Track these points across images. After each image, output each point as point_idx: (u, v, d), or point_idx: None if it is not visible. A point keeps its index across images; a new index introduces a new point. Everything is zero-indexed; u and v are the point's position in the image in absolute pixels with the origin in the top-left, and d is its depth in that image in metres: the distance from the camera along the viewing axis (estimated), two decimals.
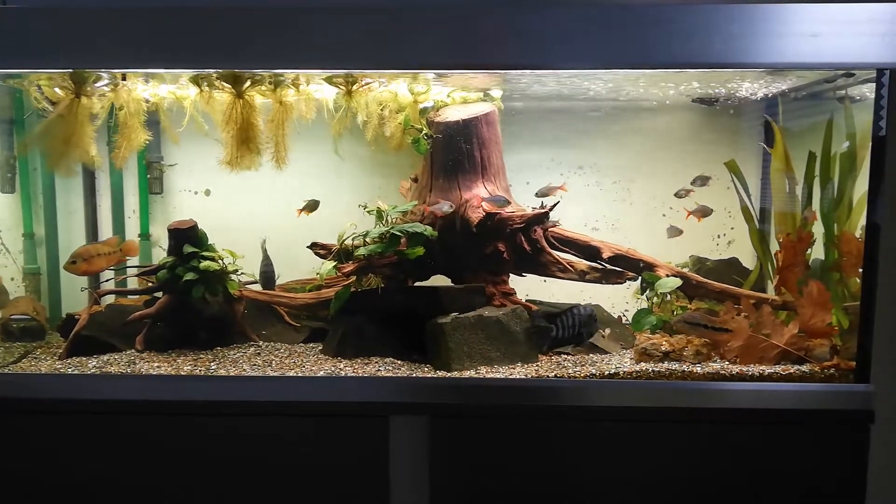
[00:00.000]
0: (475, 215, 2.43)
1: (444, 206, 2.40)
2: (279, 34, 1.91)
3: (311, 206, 2.58)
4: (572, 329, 2.43)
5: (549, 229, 2.55)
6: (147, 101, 2.41)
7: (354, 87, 2.35)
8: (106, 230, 2.88)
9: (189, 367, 2.23)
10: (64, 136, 2.27)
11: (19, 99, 2.63)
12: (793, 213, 2.47)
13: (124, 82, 2.30)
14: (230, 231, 2.62)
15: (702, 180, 2.53)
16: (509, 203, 2.49)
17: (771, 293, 2.54)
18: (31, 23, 1.91)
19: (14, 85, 2.43)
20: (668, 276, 2.48)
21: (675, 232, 2.61)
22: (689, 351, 2.26)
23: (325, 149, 2.78)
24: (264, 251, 2.67)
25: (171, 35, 1.92)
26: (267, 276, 2.65)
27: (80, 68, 2.16)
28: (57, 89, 2.28)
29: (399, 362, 2.28)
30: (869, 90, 2.10)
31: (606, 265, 2.56)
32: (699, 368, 2.19)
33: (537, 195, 2.51)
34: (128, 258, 2.60)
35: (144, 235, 2.91)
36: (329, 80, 2.32)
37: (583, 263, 2.57)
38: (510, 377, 2.15)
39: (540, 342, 2.37)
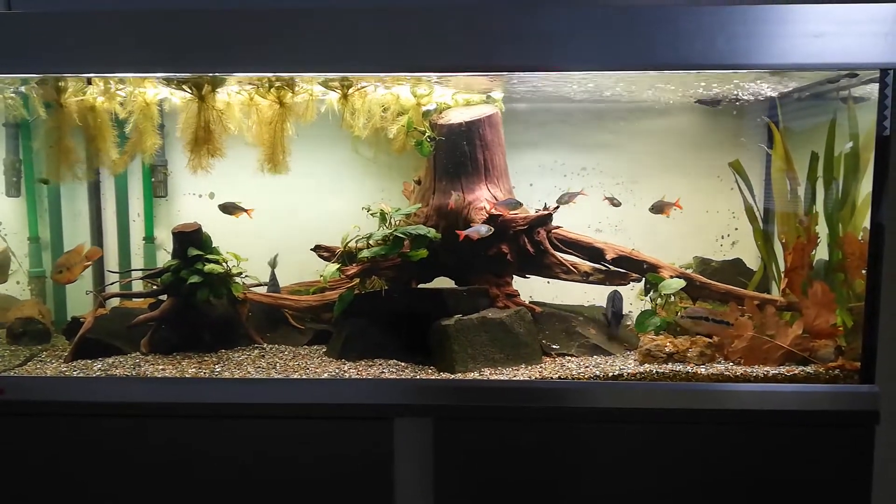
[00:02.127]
0: (478, 217, 2.43)
1: (482, 229, 2.35)
2: (280, 36, 1.92)
3: (228, 207, 2.59)
4: (620, 310, 2.51)
5: (553, 231, 2.55)
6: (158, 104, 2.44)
7: (350, 91, 2.36)
8: (111, 234, 2.90)
9: (194, 370, 2.24)
10: (56, 143, 2.33)
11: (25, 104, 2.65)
12: (794, 213, 2.46)
13: (89, 86, 2.32)
14: (235, 233, 2.63)
15: (570, 196, 2.55)
16: (521, 204, 2.49)
17: (776, 294, 2.54)
18: (35, 27, 1.93)
19: (25, 91, 2.45)
20: (671, 277, 2.48)
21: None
22: (693, 352, 2.26)
23: (328, 151, 2.80)
24: (272, 270, 2.69)
25: (176, 39, 1.93)
26: None
27: (83, 73, 2.17)
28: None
29: (403, 364, 2.28)
30: (872, 90, 2.10)
31: (610, 267, 2.55)
32: (703, 370, 2.19)
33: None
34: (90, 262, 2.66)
35: (149, 239, 2.92)
36: (325, 84, 2.33)
37: (586, 265, 2.57)
38: (514, 379, 2.15)
39: (616, 328, 2.49)
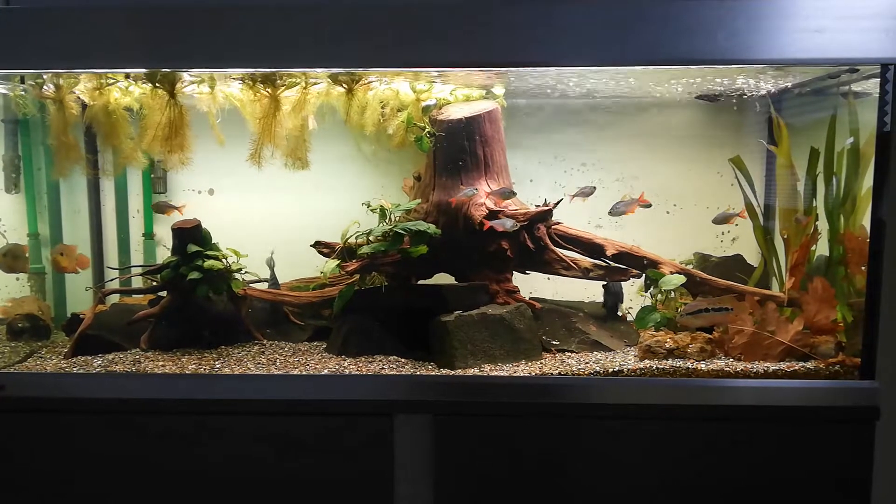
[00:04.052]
0: (478, 213, 2.43)
1: (507, 223, 2.36)
2: (278, 33, 1.91)
3: (161, 207, 2.62)
4: (619, 292, 2.61)
5: (553, 227, 2.55)
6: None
7: (357, 85, 2.35)
8: (110, 230, 2.89)
9: (193, 366, 2.23)
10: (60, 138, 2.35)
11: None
12: (795, 209, 2.46)
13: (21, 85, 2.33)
14: (235, 229, 2.63)
15: (585, 191, 2.58)
16: (515, 194, 2.49)
17: (776, 290, 2.53)
18: (33, 23, 1.92)
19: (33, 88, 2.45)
20: (672, 273, 2.48)
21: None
22: (693, 348, 2.26)
23: (327, 148, 2.79)
24: (271, 269, 2.68)
25: (174, 35, 1.93)
26: None
27: (82, 69, 2.17)
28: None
29: (403, 360, 2.28)
30: (873, 86, 2.10)
31: (610, 263, 2.55)
32: (704, 365, 2.19)
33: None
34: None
35: (148, 235, 2.92)
36: (334, 79, 2.32)
37: (586, 261, 2.57)
38: (514, 375, 2.15)
39: (614, 310, 2.60)
